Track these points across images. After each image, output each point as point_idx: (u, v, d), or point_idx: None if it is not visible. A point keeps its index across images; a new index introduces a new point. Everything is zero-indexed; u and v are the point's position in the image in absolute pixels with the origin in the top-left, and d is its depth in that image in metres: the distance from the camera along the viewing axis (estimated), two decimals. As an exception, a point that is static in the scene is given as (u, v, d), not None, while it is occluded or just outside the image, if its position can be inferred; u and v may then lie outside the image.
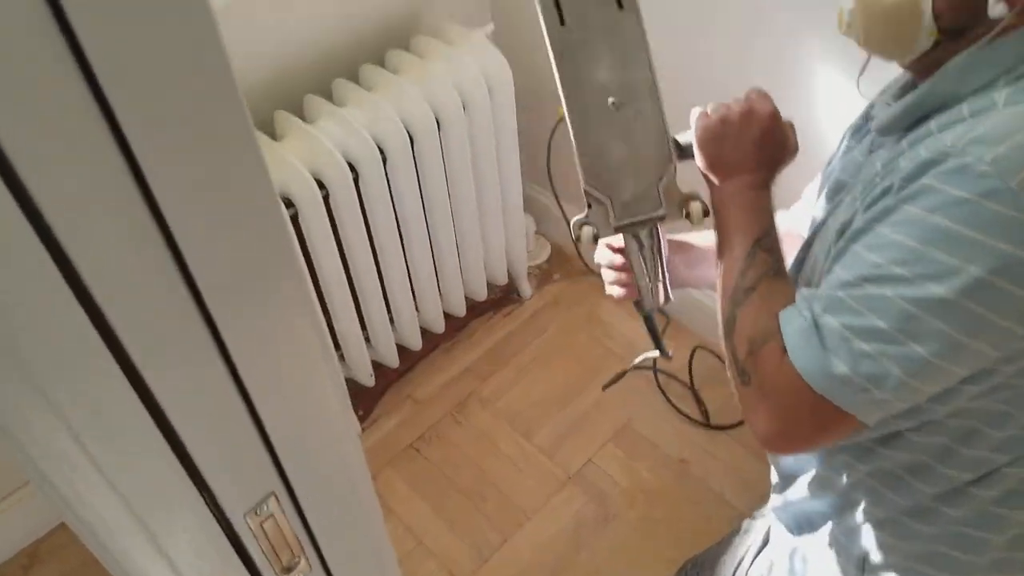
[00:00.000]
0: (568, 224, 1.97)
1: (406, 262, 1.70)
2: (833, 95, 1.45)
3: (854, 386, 0.74)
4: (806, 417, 0.78)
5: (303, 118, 1.49)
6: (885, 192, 0.78)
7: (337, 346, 1.72)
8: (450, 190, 1.68)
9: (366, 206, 1.54)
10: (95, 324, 0.38)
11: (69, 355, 0.38)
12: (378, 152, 1.47)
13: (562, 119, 1.80)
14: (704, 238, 1.12)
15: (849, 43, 0.88)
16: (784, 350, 0.78)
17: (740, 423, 1.85)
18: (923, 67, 0.83)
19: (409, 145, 1.51)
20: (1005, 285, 0.69)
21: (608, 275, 1.11)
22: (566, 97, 0.92)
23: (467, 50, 1.59)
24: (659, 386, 1.92)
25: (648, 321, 1.10)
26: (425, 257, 1.73)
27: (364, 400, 1.92)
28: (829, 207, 0.95)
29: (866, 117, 0.99)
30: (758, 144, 0.90)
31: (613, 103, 0.90)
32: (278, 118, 1.47)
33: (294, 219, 1.42)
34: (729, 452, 1.80)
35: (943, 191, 0.71)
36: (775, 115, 0.90)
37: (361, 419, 1.89)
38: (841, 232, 0.85)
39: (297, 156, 1.40)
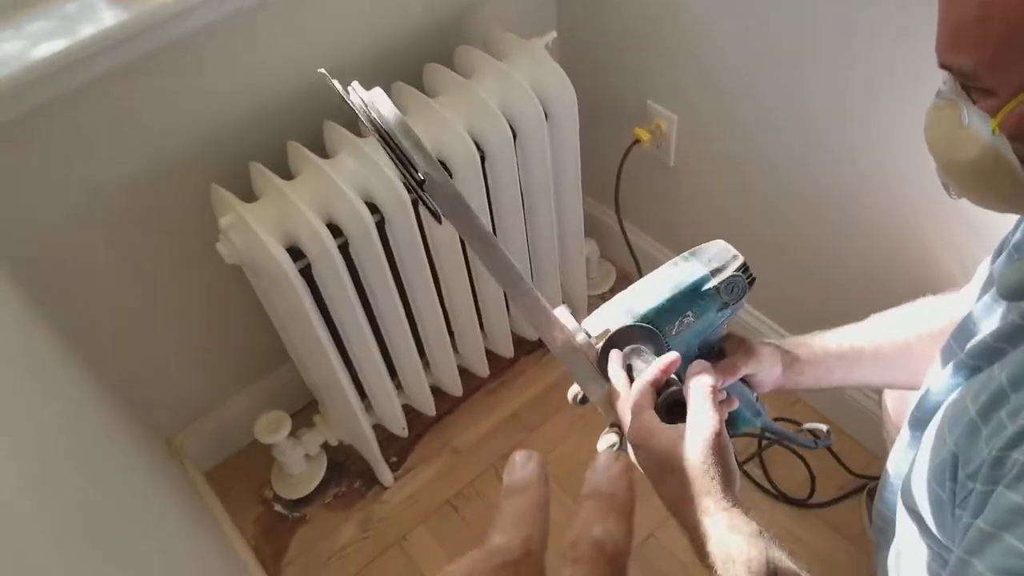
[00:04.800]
0: (631, 251, 1.73)
1: (442, 303, 1.48)
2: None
3: None
4: None
5: (322, 150, 1.27)
6: (1014, 443, 0.56)
7: (364, 395, 1.52)
8: (496, 224, 1.44)
9: (393, 248, 1.31)
10: None
11: None
12: (407, 192, 1.24)
13: (638, 141, 1.54)
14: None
15: None
16: None
17: (834, 501, 1.58)
18: None
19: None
20: None
21: None
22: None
23: (521, 66, 1.33)
24: (736, 460, 1.66)
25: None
26: (464, 298, 1.50)
27: (397, 446, 1.72)
28: (966, 379, 0.71)
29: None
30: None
31: None
32: (291, 151, 1.25)
33: (304, 271, 1.21)
34: (818, 536, 1.54)
35: None
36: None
37: (393, 467, 1.69)
38: (953, 463, 0.65)
39: (309, 200, 1.18)
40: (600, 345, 0.75)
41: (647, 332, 0.76)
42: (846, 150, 1.29)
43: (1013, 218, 0.80)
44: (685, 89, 1.50)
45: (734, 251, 0.78)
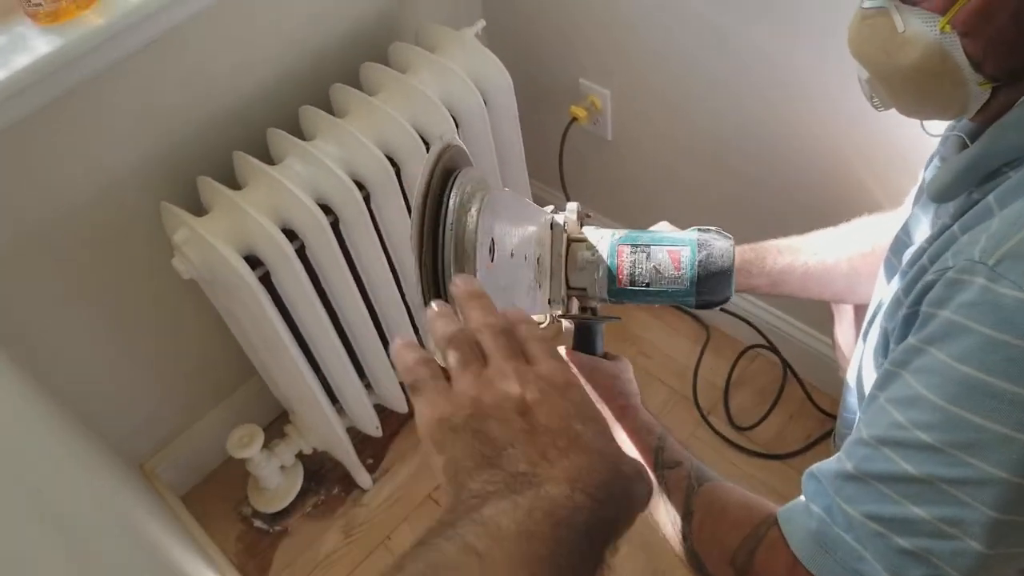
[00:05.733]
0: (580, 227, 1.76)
1: (403, 299, 1.49)
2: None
3: None
4: None
5: (268, 158, 1.27)
6: (914, 318, 0.62)
7: (335, 399, 1.52)
8: (448, 215, 1.45)
9: (350, 249, 1.32)
10: None
11: None
12: (357, 190, 1.25)
13: (575, 119, 1.54)
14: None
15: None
16: (789, 554, 0.63)
17: (803, 449, 1.63)
18: (991, 114, 0.64)
19: (395, 175, 1.29)
20: None
21: None
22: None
23: (455, 56, 1.35)
24: (701, 414, 1.70)
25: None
26: (426, 291, 1.51)
27: (372, 447, 1.73)
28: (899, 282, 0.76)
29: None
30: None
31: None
32: (238, 161, 1.25)
33: (264, 278, 1.21)
34: (789, 485, 1.59)
35: (969, 328, 0.54)
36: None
37: (370, 469, 1.70)
38: (885, 342, 0.70)
39: (261, 207, 1.18)
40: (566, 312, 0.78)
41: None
42: (776, 94, 1.33)
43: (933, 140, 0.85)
44: (614, 63, 1.54)
45: (732, 286, 0.73)
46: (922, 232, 0.77)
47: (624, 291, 0.74)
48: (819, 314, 1.51)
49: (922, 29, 0.61)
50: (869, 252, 0.99)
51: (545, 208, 0.78)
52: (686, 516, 0.71)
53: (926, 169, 0.85)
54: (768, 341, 1.64)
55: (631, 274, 0.73)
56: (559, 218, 0.75)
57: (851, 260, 1.01)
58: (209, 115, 1.27)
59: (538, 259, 0.71)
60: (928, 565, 0.55)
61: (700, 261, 0.71)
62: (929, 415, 0.55)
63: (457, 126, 1.34)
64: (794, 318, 1.67)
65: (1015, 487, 0.52)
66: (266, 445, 1.57)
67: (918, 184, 0.88)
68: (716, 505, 0.70)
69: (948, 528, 0.55)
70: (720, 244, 0.72)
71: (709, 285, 0.72)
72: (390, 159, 1.28)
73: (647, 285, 0.73)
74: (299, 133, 1.29)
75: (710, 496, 0.71)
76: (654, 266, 0.73)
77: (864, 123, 1.24)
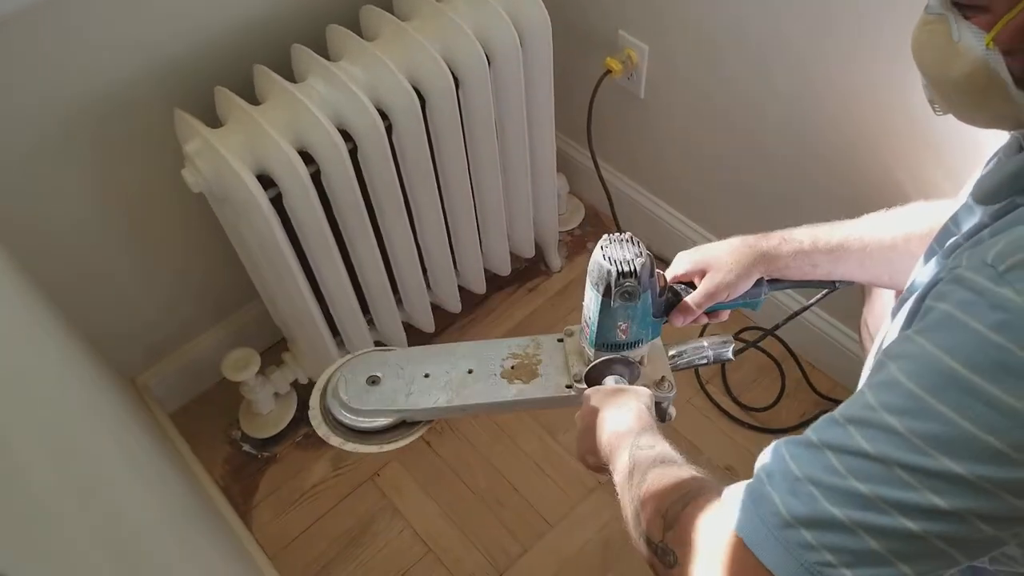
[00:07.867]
0: (604, 186, 1.72)
1: (415, 238, 1.45)
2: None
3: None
4: None
5: (290, 75, 1.22)
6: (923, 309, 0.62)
7: (335, 331, 1.50)
8: (470, 157, 1.41)
9: (366, 179, 1.28)
10: None
11: None
12: (380, 119, 1.20)
13: (609, 72, 1.53)
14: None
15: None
16: (717, 501, 0.66)
17: (796, 426, 1.62)
18: None
19: (419, 108, 1.24)
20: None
21: None
22: None
23: (494, -10, 1.30)
24: (700, 382, 1.68)
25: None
26: (438, 232, 1.47)
27: (369, 384, 1.71)
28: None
29: None
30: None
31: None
32: (258, 75, 1.20)
33: (275, 201, 1.18)
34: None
35: (965, 324, 0.55)
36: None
37: (365, 405, 1.68)
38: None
39: (279, 126, 1.14)
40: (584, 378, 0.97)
41: (613, 358, 0.94)
42: (818, 78, 1.28)
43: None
44: (656, 18, 1.48)
45: (608, 265, 0.84)
46: (967, 224, 0.75)
47: (597, 341, 0.94)
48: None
49: (972, 43, 0.61)
50: (928, 234, 0.94)
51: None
52: (640, 483, 0.74)
53: (988, 163, 0.82)
54: (767, 329, 1.63)
55: None
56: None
57: (908, 240, 0.97)
58: (232, 21, 1.22)
59: (512, 366, 1.00)
60: (852, 535, 0.56)
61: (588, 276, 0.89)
62: (901, 400, 0.56)
63: (489, 63, 1.29)
64: (797, 294, 1.63)
65: (965, 482, 0.53)
66: (262, 371, 1.55)
67: (976, 175, 0.84)
68: (667, 470, 0.73)
69: (884, 506, 0.55)
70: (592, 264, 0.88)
71: (596, 279, 0.87)
72: (417, 91, 1.23)
73: (593, 326, 0.93)
74: (325, 53, 1.24)
75: (665, 467, 0.74)
76: None
77: (904, 115, 1.19)
